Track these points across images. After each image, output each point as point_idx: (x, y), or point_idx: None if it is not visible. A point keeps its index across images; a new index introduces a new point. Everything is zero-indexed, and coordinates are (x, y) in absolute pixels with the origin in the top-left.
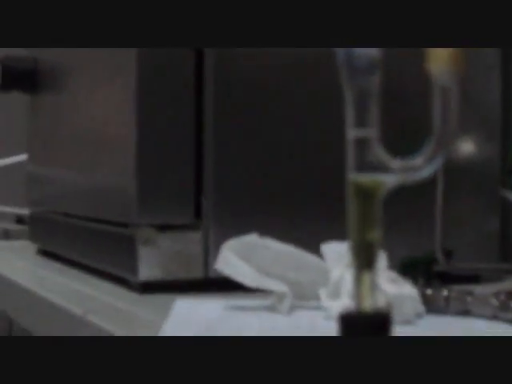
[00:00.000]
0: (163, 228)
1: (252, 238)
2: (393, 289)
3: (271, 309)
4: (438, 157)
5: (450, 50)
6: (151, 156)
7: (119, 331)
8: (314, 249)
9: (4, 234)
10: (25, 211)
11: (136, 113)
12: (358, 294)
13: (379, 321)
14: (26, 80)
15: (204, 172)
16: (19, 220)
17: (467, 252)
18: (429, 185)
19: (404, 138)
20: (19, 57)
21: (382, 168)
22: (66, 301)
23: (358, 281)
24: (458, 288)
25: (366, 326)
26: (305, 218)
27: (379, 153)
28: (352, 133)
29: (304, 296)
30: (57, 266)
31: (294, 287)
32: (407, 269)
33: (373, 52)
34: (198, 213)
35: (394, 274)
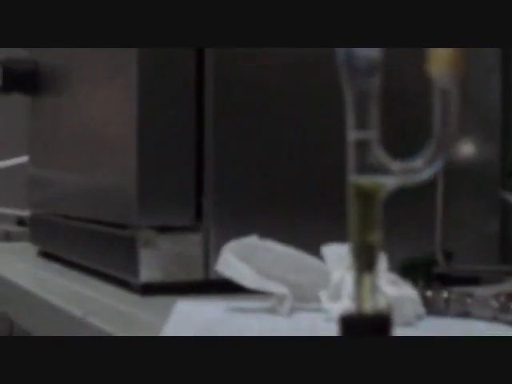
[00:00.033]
0: (163, 230)
1: (252, 240)
2: (393, 291)
3: (271, 311)
4: (438, 159)
5: (450, 52)
6: (151, 156)
7: (119, 333)
8: (315, 250)
9: (5, 235)
10: (26, 213)
11: (136, 113)
12: (358, 295)
13: (379, 323)
14: (27, 82)
15: (204, 172)
16: (20, 222)
17: (467, 254)
18: (429, 187)
19: (404, 139)
20: (20, 59)
21: (383, 170)
22: (67, 302)
23: (358, 283)
24: (458, 290)
25: (366, 328)
26: (305, 219)
27: (379, 155)
28: (352, 135)
29: (304, 298)
30: (57, 267)
31: (295, 289)
32: (407, 270)
33: (373, 54)
34: (198, 214)
35: (394, 276)
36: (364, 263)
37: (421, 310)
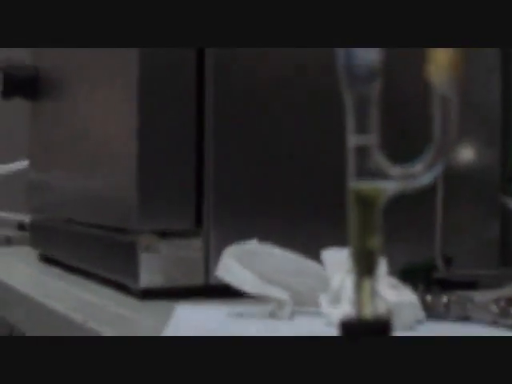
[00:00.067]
0: (164, 234)
1: (252, 245)
2: (393, 295)
3: (272, 315)
4: (438, 164)
5: (451, 55)
6: (151, 158)
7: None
8: (315, 253)
9: (5, 240)
10: (26, 218)
11: (137, 113)
12: (358, 300)
13: (379, 327)
14: (28, 87)
15: (204, 175)
16: (20, 226)
17: (467, 259)
18: (429, 192)
19: (404, 143)
20: (21, 65)
21: (382, 175)
22: (67, 307)
23: (358, 287)
24: (457, 294)
25: (366, 333)
26: (305, 222)
27: (379, 160)
28: (352, 140)
29: (304, 303)
30: (58, 272)
31: (295, 294)
32: (407, 275)
33: (373, 59)
34: (198, 219)
35: (394, 281)
36: (364, 268)
37: (421, 314)
